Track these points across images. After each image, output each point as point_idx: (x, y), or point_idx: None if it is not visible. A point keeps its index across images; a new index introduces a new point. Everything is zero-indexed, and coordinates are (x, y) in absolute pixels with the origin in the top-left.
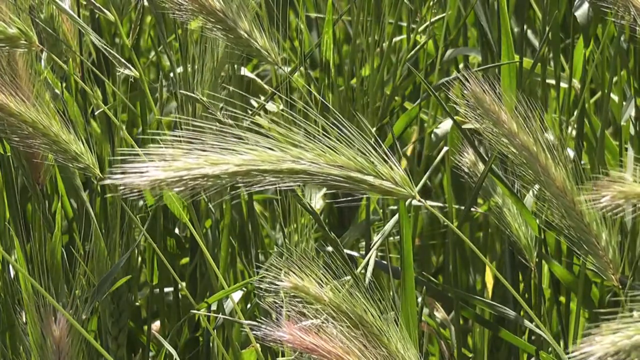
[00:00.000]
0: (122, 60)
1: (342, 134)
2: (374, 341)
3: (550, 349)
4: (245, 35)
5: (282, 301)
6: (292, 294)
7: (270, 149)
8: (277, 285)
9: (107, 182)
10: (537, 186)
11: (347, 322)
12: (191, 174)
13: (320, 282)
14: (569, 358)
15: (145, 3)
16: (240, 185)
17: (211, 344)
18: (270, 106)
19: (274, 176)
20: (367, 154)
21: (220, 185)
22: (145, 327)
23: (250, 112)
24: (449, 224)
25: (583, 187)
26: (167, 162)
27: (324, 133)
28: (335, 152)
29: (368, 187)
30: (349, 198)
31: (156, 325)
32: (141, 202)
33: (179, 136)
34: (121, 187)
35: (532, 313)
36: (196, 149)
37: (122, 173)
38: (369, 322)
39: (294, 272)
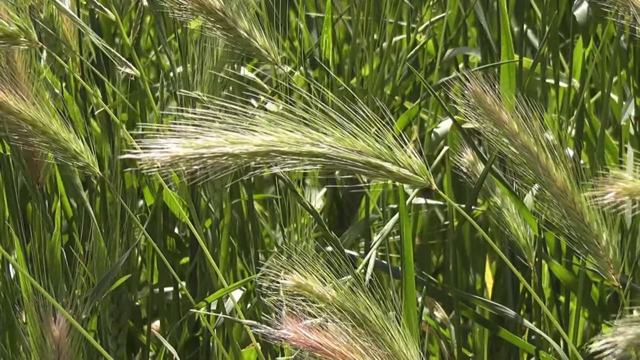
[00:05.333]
0: (123, 58)
1: (359, 120)
2: (377, 340)
3: (550, 348)
4: (245, 34)
5: (284, 300)
6: (295, 292)
7: (290, 131)
8: (279, 283)
9: (127, 156)
10: (536, 186)
11: (350, 320)
12: (211, 152)
13: (323, 280)
14: (592, 348)
15: (145, 3)
16: (259, 165)
17: (211, 344)
18: (271, 106)
19: (293, 158)
20: (386, 141)
21: (238, 165)
22: (145, 327)
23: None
24: (460, 209)
25: (585, 185)
26: (187, 140)
27: (345, 119)
28: (354, 137)
29: (385, 174)
30: (351, 189)
31: (156, 325)
32: (141, 202)
33: (203, 115)
34: (141, 162)
35: (544, 307)
36: (217, 128)
37: (143, 148)
38: (371, 321)
39: (296, 271)
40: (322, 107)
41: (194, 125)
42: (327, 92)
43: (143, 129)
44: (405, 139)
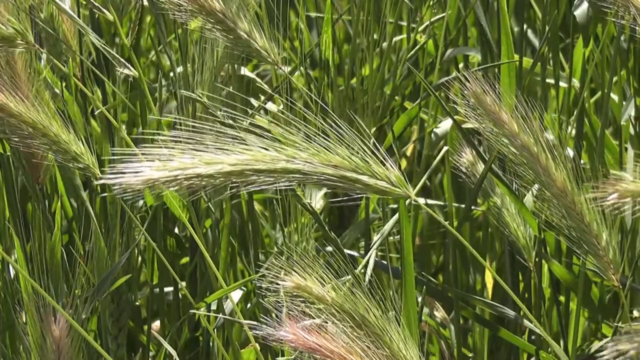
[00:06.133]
0: (122, 60)
1: (339, 134)
2: (377, 341)
3: (550, 348)
4: (245, 35)
5: (283, 301)
6: (295, 293)
7: (264, 148)
8: (278, 284)
9: (102, 181)
10: (536, 186)
11: (349, 321)
12: (185, 174)
13: (322, 281)
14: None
15: (145, 3)
16: (235, 185)
17: (211, 344)
18: (271, 106)
19: (268, 176)
20: (362, 154)
21: (214, 185)
22: (145, 327)
23: (250, 112)
24: (447, 226)
25: (586, 186)
26: (161, 162)
27: (320, 133)
28: (329, 151)
29: (363, 187)
30: (349, 197)
31: (156, 325)
32: (141, 202)
33: (176, 136)
34: (116, 187)
35: (530, 314)
36: (191, 148)
37: (117, 173)
38: (371, 322)
39: (296, 272)
40: (295, 123)
41: (168, 147)
42: (327, 93)
43: (142, 131)
44: (383, 151)
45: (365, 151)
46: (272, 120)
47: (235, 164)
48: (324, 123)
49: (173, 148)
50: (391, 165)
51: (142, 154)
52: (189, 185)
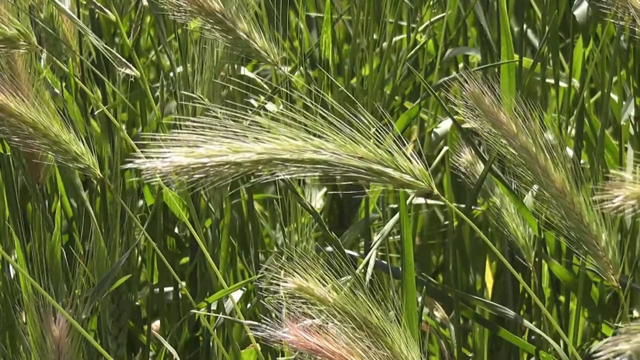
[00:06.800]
0: (123, 59)
1: (360, 124)
2: (378, 342)
3: (550, 348)
4: (244, 36)
5: (284, 301)
6: (296, 294)
7: (292, 138)
8: (280, 285)
9: (130, 165)
10: (536, 186)
11: (351, 323)
12: (214, 161)
13: (323, 282)
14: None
15: (145, 3)
16: (261, 173)
17: (211, 344)
18: (270, 106)
19: (296, 165)
20: (387, 146)
21: (241, 173)
22: (145, 327)
23: (250, 111)
24: (464, 217)
25: (589, 188)
26: (189, 149)
27: (345, 124)
28: (355, 143)
29: (387, 180)
30: (350, 193)
31: (156, 324)
32: (141, 202)
33: (205, 123)
34: (144, 172)
35: (542, 306)
36: (219, 135)
37: (145, 158)
38: (373, 323)
39: (298, 273)
40: (323, 113)
41: (195, 133)
42: (327, 96)
43: (143, 137)
44: (405, 143)
45: (390, 144)
46: (282, 115)
47: (263, 153)
48: (349, 114)
49: (201, 135)
50: (415, 160)
51: (171, 139)
52: (216, 172)
